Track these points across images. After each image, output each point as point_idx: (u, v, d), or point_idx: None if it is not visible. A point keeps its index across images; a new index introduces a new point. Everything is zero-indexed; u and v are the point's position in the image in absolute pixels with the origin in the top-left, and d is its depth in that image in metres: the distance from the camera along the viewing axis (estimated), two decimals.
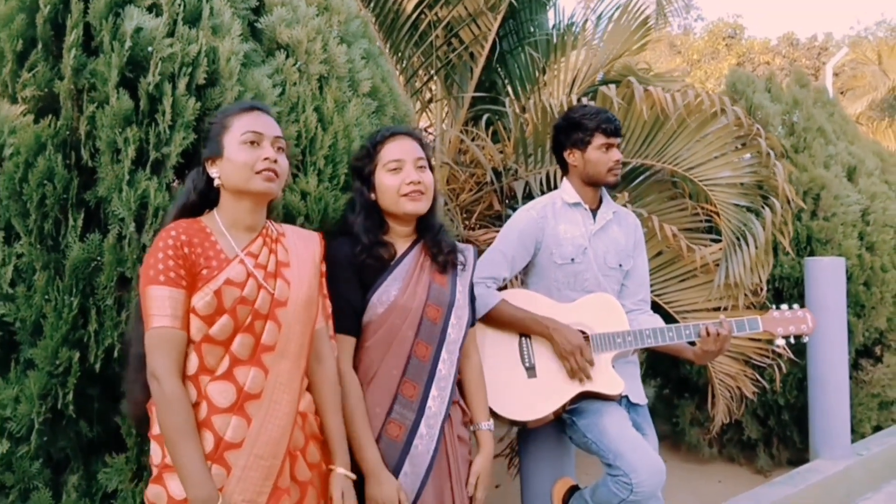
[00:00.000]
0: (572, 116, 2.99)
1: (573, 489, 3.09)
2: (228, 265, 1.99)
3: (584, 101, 3.76)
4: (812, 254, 5.08)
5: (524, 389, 2.83)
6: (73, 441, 2.26)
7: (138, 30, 2.28)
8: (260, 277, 2.02)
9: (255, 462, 1.93)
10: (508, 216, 4.47)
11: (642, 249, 3.13)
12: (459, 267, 2.51)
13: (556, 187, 4.09)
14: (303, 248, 2.17)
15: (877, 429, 5.42)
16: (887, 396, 5.36)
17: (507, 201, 4.36)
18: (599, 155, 2.94)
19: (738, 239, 3.84)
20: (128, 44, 2.27)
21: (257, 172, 2.03)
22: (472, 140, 4.37)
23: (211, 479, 1.87)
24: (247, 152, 2.04)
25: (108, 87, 2.25)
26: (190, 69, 2.34)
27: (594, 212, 3.02)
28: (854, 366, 5.28)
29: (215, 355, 1.96)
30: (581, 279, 2.96)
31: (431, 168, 2.48)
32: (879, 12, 42.97)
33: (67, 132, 2.28)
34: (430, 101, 4.95)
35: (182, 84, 2.31)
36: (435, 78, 4.72)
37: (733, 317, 2.91)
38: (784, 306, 2.92)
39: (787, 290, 5.02)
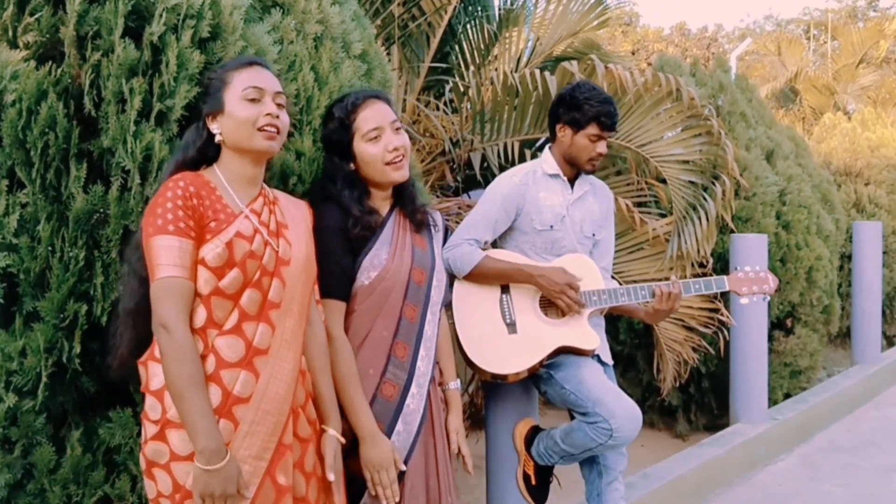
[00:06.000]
0: (577, 96, 3.00)
1: (535, 429, 3.22)
2: (236, 219, 1.98)
3: (547, 74, 3.85)
4: (732, 231, 5.37)
5: (505, 345, 2.93)
6: (73, 396, 2.22)
7: None
8: (264, 234, 2.02)
9: (262, 417, 1.94)
10: (461, 187, 4.57)
11: (611, 220, 3.26)
12: (433, 228, 2.56)
13: (512, 158, 4.20)
14: (296, 213, 2.17)
15: (787, 396, 5.81)
16: (798, 366, 5.75)
17: (457, 172, 4.43)
18: (586, 143, 3.00)
19: (687, 214, 4.03)
20: None
21: (259, 129, 2.01)
22: (426, 106, 4.41)
23: (219, 432, 1.86)
24: (248, 108, 2.01)
25: (113, 35, 2.20)
26: (194, 21, 2.30)
27: (572, 182, 3.12)
28: (768, 337, 5.63)
29: (224, 309, 1.94)
30: (558, 245, 3.07)
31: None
32: (767, 7, 44.96)
33: (69, 80, 2.22)
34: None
35: (186, 36, 2.28)
36: (393, 47, 4.74)
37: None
38: (748, 267, 3.11)
39: (710, 264, 5.30)
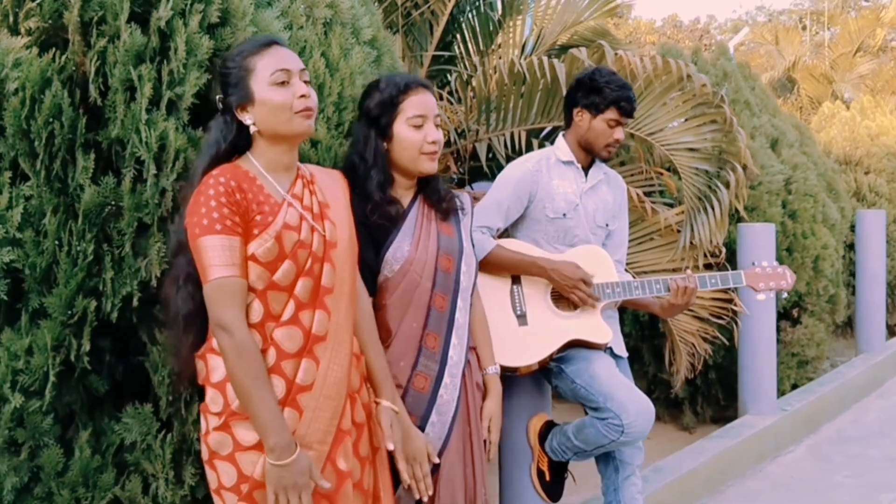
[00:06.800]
0: (597, 79, 2.94)
1: (549, 424, 3.15)
2: (281, 209, 1.94)
3: (555, 61, 3.78)
4: (739, 220, 5.31)
5: (516, 337, 2.87)
6: (81, 396, 2.14)
7: None
8: (310, 219, 1.98)
9: (325, 402, 1.94)
10: (466, 179, 4.49)
11: (625, 212, 3.20)
12: (460, 213, 2.51)
13: (519, 148, 4.13)
14: (334, 186, 2.13)
15: (794, 386, 5.76)
16: (805, 356, 5.70)
17: (462, 163, 4.35)
18: (604, 128, 2.93)
19: (700, 202, 3.97)
20: None
21: (296, 112, 1.96)
22: None
23: (287, 427, 1.87)
24: (281, 93, 1.95)
25: (119, 20, 2.12)
26: (202, 6, 2.22)
27: (585, 170, 3.05)
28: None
29: (279, 301, 1.93)
30: (571, 235, 3.00)
31: None
32: None
33: (73, 67, 2.13)
34: None
35: (194, 21, 2.19)
36: (396, 35, 4.66)
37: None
38: (765, 262, 3.05)
39: (722, 254, 5.23)
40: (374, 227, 2.32)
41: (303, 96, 1.96)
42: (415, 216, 2.41)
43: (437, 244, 2.40)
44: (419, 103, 2.37)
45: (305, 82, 2.00)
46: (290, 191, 2.00)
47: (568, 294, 2.87)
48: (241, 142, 2.01)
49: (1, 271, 2.03)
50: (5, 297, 2.05)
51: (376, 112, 2.37)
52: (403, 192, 2.43)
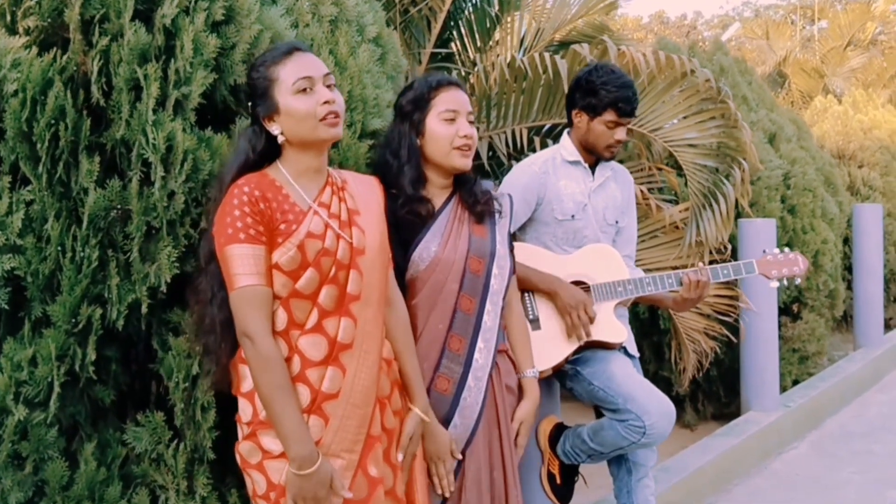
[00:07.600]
0: (594, 80, 2.86)
1: (559, 427, 3.10)
2: (305, 218, 1.93)
3: (557, 57, 3.73)
4: (738, 216, 5.28)
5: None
6: (85, 406, 2.07)
7: None
8: (336, 227, 1.96)
9: (352, 411, 1.93)
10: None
11: (633, 207, 3.14)
12: (497, 215, 2.48)
13: (521, 146, 4.08)
14: (368, 194, 2.11)
15: (795, 382, 5.74)
16: (806, 351, 5.68)
17: None
18: (604, 130, 2.86)
19: (705, 199, 3.92)
20: None
21: (321, 119, 1.93)
22: None
23: (310, 437, 1.85)
24: (304, 101, 1.93)
25: (122, 18, 2.05)
26: (207, 3, 2.16)
27: (592, 168, 3.00)
28: None
29: (303, 309, 1.92)
30: (580, 235, 2.95)
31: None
32: None
33: (74, 67, 2.06)
34: None
35: (200, 19, 2.13)
36: (394, 32, 4.60)
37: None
38: (776, 249, 3.00)
39: (728, 250, 5.18)
40: (403, 225, 2.31)
41: (326, 102, 1.94)
42: (447, 217, 2.40)
43: (468, 246, 2.38)
44: (451, 99, 2.38)
45: (329, 86, 1.97)
46: (318, 199, 1.98)
47: (563, 315, 2.80)
48: (270, 150, 2.00)
49: (1, 279, 1.96)
50: (6, 307, 1.98)
51: (409, 108, 2.39)
52: (438, 191, 2.42)
